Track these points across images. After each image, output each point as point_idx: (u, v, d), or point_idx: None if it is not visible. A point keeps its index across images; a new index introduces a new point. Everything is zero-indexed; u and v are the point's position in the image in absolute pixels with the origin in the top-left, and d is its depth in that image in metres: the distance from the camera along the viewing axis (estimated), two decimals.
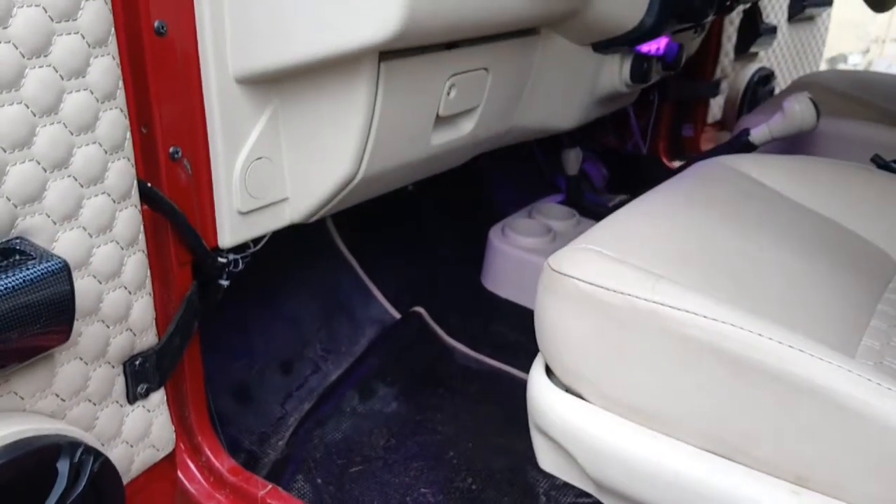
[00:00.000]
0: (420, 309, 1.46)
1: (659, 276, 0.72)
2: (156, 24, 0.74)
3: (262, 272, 1.10)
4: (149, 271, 0.72)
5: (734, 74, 2.27)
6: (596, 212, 1.67)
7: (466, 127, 1.07)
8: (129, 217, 0.67)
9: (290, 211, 0.95)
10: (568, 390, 0.77)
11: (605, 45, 1.18)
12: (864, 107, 1.51)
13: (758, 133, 1.30)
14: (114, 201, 0.64)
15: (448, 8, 0.78)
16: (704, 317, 0.66)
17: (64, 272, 0.55)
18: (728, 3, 1.22)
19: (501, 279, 1.52)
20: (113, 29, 0.62)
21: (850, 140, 1.31)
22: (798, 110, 1.23)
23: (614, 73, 1.24)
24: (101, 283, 0.65)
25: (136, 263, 0.68)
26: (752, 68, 2.31)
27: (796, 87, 1.79)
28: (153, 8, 0.74)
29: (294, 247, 1.39)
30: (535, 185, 1.94)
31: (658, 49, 1.31)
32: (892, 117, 1.44)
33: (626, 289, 0.70)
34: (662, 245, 0.82)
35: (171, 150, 0.80)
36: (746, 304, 0.72)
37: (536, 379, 0.79)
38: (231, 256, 0.94)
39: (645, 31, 1.14)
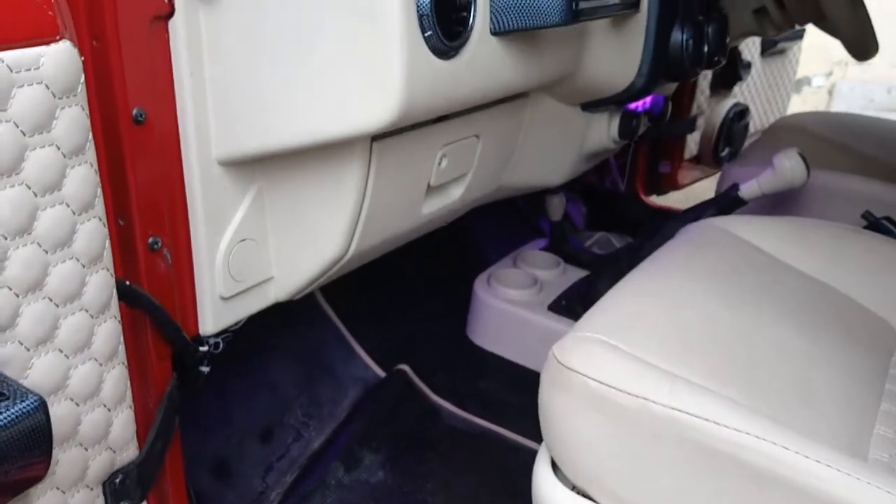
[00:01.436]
0: (405, 366, 1.42)
1: (674, 375, 0.69)
2: (134, 112, 0.70)
3: (240, 335, 1.05)
4: (129, 382, 0.66)
5: (710, 110, 2.28)
6: (580, 258, 1.64)
7: (456, 193, 1.04)
8: (109, 330, 0.61)
9: (276, 290, 0.90)
10: (576, 489, 0.74)
11: (594, 105, 1.16)
12: (847, 155, 1.52)
13: (747, 189, 1.28)
14: (92, 317, 0.59)
15: (443, 92, 0.75)
16: (725, 426, 0.63)
17: (40, 410, 0.50)
18: (716, 59, 1.20)
19: (488, 333, 1.48)
20: (90, 135, 0.57)
21: (838, 194, 1.30)
22: (788, 167, 1.22)
23: (602, 130, 1.22)
24: (78, 405, 0.60)
25: (115, 378, 0.63)
26: (727, 104, 2.32)
27: (776, 130, 1.79)
28: (131, 96, 0.69)
29: (274, 304, 1.33)
30: (518, 229, 1.91)
31: (645, 103, 1.30)
32: (876, 166, 1.45)
33: (641, 391, 0.67)
34: (667, 331, 0.79)
35: (150, 240, 0.75)
36: (757, 401, 0.70)
37: (542, 476, 0.76)
38: (212, 340, 0.89)
39: (635, 92, 1.12)
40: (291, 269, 0.88)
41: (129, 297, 0.72)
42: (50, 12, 0.53)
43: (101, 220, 0.59)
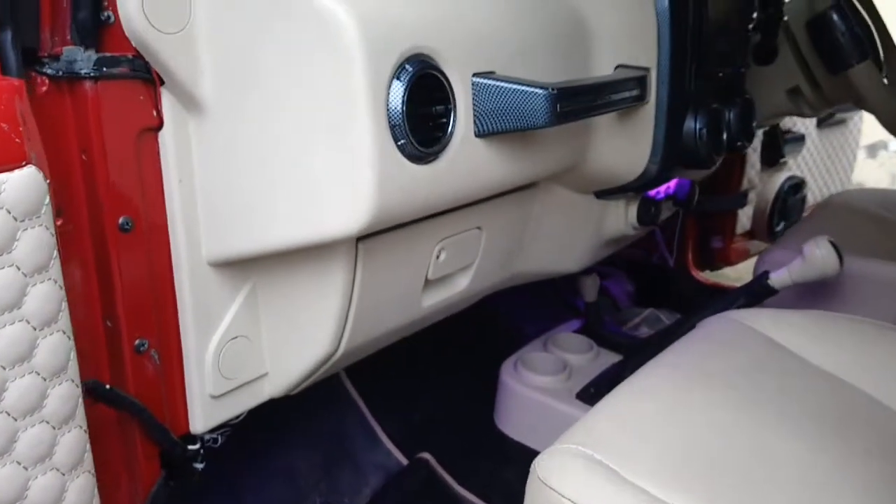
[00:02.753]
0: (427, 455, 1.39)
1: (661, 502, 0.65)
2: (120, 220, 0.73)
3: (253, 415, 1.05)
4: (95, 490, 0.67)
5: (762, 185, 2.21)
6: (615, 342, 1.59)
7: (461, 283, 1.03)
8: (73, 441, 0.63)
9: (270, 386, 0.91)
10: None
11: (608, 193, 1.14)
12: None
13: (778, 278, 1.22)
14: (54, 428, 0.61)
15: (422, 196, 0.75)
16: None
17: None
18: (739, 143, 1.17)
19: (513, 420, 1.45)
20: (55, 252, 0.60)
21: (878, 284, 1.22)
22: (819, 256, 1.16)
23: (620, 217, 1.20)
24: None
25: (79, 488, 0.64)
26: (780, 177, 2.24)
27: (823, 209, 1.71)
28: (117, 205, 0.72)
29: None
30: (555, 307, 1.87)
31: (668, 188, 1.27)
32: None
33: None
34: (666, 444, 0.74)
35: (136, 342, 0.77)
36: None
37: None
38: (208, 436, 0.89)
39: (649, 181, 1.10)
40: (284, 365, 0.89)
41: (109, 399, 0.73)
42: (17, 139, 0.56)
43: (65, 333, 0.61)
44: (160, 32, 0.68)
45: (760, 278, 1.24)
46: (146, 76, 0.71)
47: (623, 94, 0.94)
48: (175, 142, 0.75)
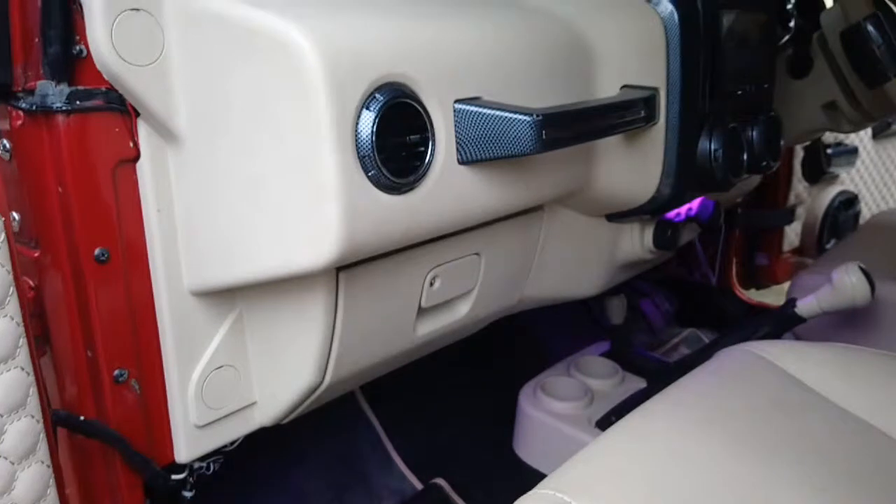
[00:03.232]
0: (441, 481, 1.36)
1: None
2: (95, 252, 0.73)
3: (264, 435, 1.03)
4: None
5: (811, 199, 2.11)
6: (642, 366, 1.53)
7: (462, 310, 1.00)
8: (34, 476, 0.63)
9: (260, 415, 0.90)
10: None
11: (619, 216, 1.10)
12: None
13: (806, 306, 1.15)
14: (12, 464, 0.61)
15: (398, 227, 0.73)
16: None
17: None
18: (764, 164, 1.11)
19: (531, 447, 1.40)
20: (12, 289, 0.60)
21: None
22: (848, 284, 1.08)
23: (635, 241, 1.15)
24: None
25: None
26: (831, 192, 2.14)
27: (867, 229, 1.62)
28: (93, 237, 0.72)
29: None
30: (583, 325, 1.82)
31: (690, 209, 1.21)
32: None
33: None
34: (655, 493, 0.70)
35: (115, 372, 0.77)
36: None
37: None
38: (198, 464, 0.89)
39: (663, 204, 1.05)
40: (272, 394, 0.88)
41: (84, 430, 0.74)
42: None
43: (23, 369, 0.61)
44: (131, 65, 0.68)
45: (787, 306, 1.17)
46: (121, 108, 0.71)
47: (626, 116, 0.90)
48: (153, 172, 0.75)
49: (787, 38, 1.42)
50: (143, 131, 0.73)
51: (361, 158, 0.68)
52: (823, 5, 1.48)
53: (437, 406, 1.52)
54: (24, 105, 0.68)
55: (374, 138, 0.68)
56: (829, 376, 0.93)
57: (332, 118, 0.65)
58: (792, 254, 2.17)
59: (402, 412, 1.46)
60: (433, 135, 0.74)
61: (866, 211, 2.31)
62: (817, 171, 1.92)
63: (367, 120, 0.68)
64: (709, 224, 1.22)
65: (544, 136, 0.75)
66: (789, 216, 2.05)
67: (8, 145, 0.70)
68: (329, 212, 0.67)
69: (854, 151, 2.13)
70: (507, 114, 0.75)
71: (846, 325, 1.22)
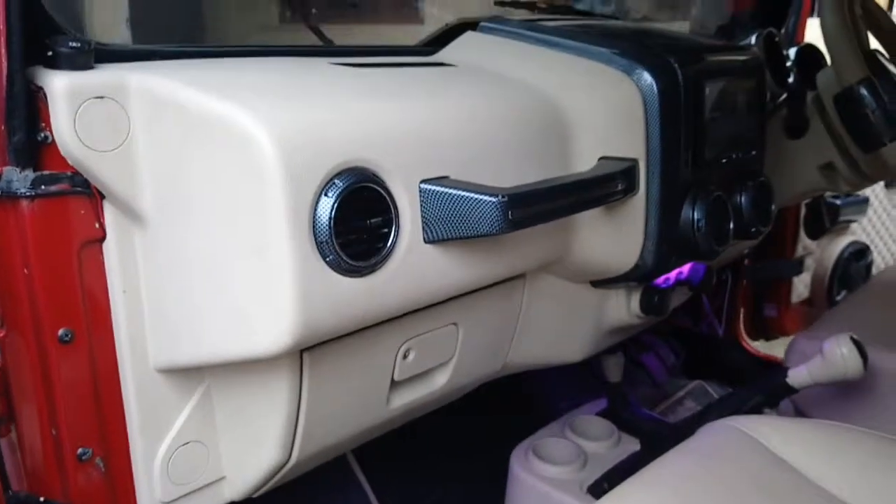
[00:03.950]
0: None
1: None
2: (59, 332, 0.73)
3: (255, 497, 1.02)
4: None
5: (820, 250, 2.07)
6: (639, 427, 1.50)
7: (439, 380, 0.99)
8: None
9: (230, 489, 0.89)
10: None
11: (604, 283, 1.08)
12: None
13: (797, 376, 1.12)
14: None
15: (359, 309, 0.73)
16: None
17: None
18: (753, 230, 1.09)
19: None
20: None
21: None
22: (840, 356, 1.05)
23: (621, 307, 1.13)
24: None
25: None
26: (841, 242, 2.10)
27: (873, 285, 1.58)
28: (57, 318, 0.73)
29: None
30: (582, 380, 1.79)
31: (681, 273, 1.19)
32: None
33: None
34: None
35: (79, 451, 0.77)
36: None
37: None
38: None
39: (645, 273, 1.03)
40: (241, 470, 0.87)
41: None
42: None
43: None
44: (95, 151, 0.69)
45: (778, 375, 1.14)
46: (87, 191, 0.72)
47: (601, 190, 0.89)
48: (119, 252, 0.75)
49: (783, 97, 1.41)
50: (110, 213, 0.74)
51: (319, 244, 0.68)
52: (823, 64, 1.47)
53: (429, 466, 1.50)
54: None
55: (332, 224, 0.68)
56: (816, 457, 0.90)
57: (288, 206, 0.65)
58: (802, 305, 2.13)
59: (394, 474, 1.44)
60: (397, 216, 0.74)
61: (879, 261, 2.26)
62: (820, 227, 1.89)
63: (326, 206, 0.68)
64: (700, 288, 1.20)
65: (511, 217, 0.75)
66: (797, 267, 2.01)
67: None
68: (284, 298, 0.67)
69: (865, 201, 2.09)
70: (472, 194, 0.75)
71: (839, 395, 1.19)
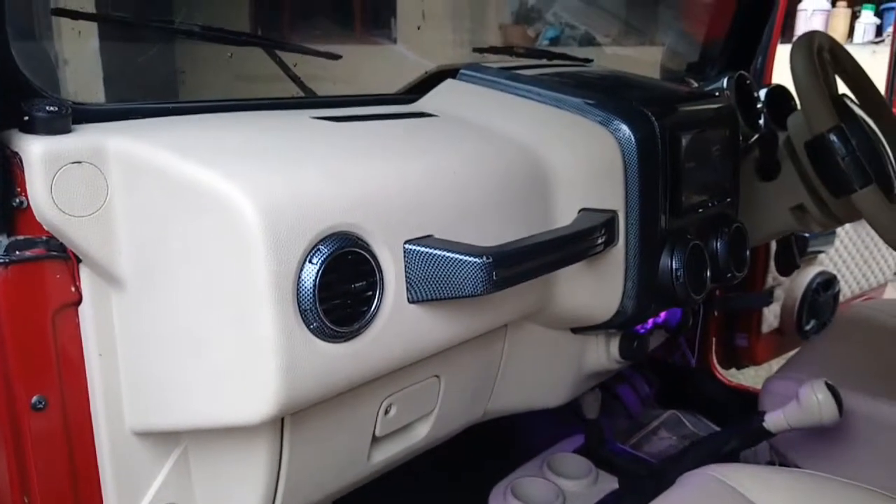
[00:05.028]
0: None
1: None
2: (32, 400, 0.71)
3: None
4: None
5: (789, 281, 2.10)
6: (617, 464, 1.50)
7: (421, 432, 0.98)
8: None
9: None
10: None
11: (584, 330, 1.09)
12: None
13: (774, 420, 1.13)
14: None
15: (343, 373, 0.72)
16: None
17: None
18: (728, 275, 1.11)
19: None
20: None
21: (887, 429, 1.12)
22: (815, 402, 1.07)
23: (600, 352, 1.14)
24: None
25: None
26: (810, 273, 2.13)
27: (841, 324, 1.61)
28: (30, 385, 0.71)
29: None
30: (556, 414, 1.79)
31: (657, 317, 1.20)
32: None
33: None
34: None
35: None
36: None
37: None
38: None
39: (625, 321, 1.04)
40: None
41: None
42: None
43: None
44: (72, 216, 0.68)
45: (755, 420, 1.15)
46: (63, 255, 0.70)
47: (584, 244, 0.89)
48: (95, 316, 0.73)
49: (755, 137, 1.43)
50: (86, 275, 0.72)
51: (303, 312, 0.67)
52: (792, 105, 1.50)
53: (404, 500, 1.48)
54: None
55: (316, 291, 0.67)
56: None
57: (272, 275, 0.65)
58: (772, 334, 2.16)
59: None
60: (381, 279, 0.73)
61: (846, 290, 2.31)
62: (791, 264, 1.92)
63: (310, 273, 0.67)
64: (677, 330, 1.21)
65: (495, 277, 0.75)
66: (767, 298, 2.04)
67: None
68: (267, 368, 0.66)
69: (832, 232, 2.13)
70: (455, 255, 0.74)
71: (815, 437, 1.21)
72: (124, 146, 0.69)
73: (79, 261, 0.71)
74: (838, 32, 4.73)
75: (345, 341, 0.71)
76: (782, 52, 1.81)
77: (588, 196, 0.96)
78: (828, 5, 4.80)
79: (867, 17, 4.69)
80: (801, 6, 4.64)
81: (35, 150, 0.65)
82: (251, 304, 0.65)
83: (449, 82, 1.11)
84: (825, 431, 1.18)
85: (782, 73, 1.79)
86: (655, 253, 1.01)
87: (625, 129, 0.98)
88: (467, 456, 1.60)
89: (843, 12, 4.79)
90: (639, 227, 0.99)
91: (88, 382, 0.75)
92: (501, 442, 1.71)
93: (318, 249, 0.68)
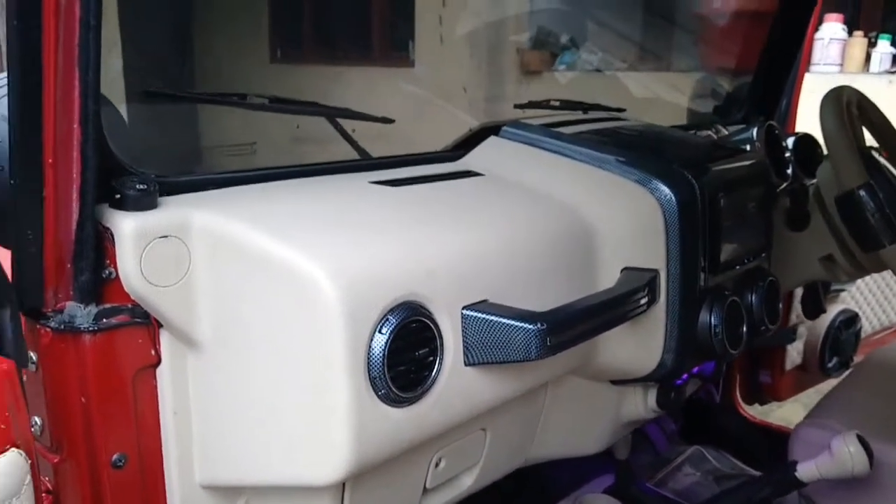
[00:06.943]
0: None
1: None
2: (113, 458, 0.75)
3: None
4: None
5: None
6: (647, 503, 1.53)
7: (465, 482, 1.01)
8: None
9: None
10: None
11: (623, 382, 1.12)
12: None
13: (806, 470, 1.16)
14: None
15: (406, 436, 0.75)
16: None
17: None
18: (763, 328, 1.14)
19: None
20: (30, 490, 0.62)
21: None
22: (847, 455, 1.10)
23: (638, 402, 1.17)
24: None
25: None
26: (832, 311, 2.15)
27: (866, 368, 1.63)
28: (112, 444, 0.75)
29: None
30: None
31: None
32: None
33: None
34: None
35: None
36: None
37: None
38: None
39: (665, 374, 1.07)
40: None
41: None
42: (2, 425, 0.59)
43: None
44: (157, 287, 0.72)
45: (787, 469, 1.18)
46: (146, 322, 0.75)
47: (629, 305, 0.93)
48: (172, 376, 0.77)
49: (784, 185, 1.47)
50: (165, 339, 0.76)
51: (372, 380, 0.71)
52: (819, 153, 1.53)
53: None
54: (52, 324, 0.71)
55: (385, 359, 0.71)
56: None
57: (345, 345, 0.69)
58: (795, 371, 2.18)
59: None
60: (441, 345, 0.77)
61: (868, 327, 2.32)
62: (817, 309, 1.95)
63: (380, 342, 0.71)
64: (712, 379, 1.24)
65: (549, 343, 0.78)
66: (791, 335, 2.07)
67: (35, 358, 0.74)
68: (338, 433, 0.70)
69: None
70: (511, 321, 0.78)
71: (845, 486, 1.23)
72: (205, 219, 0.74)
73: (160, 325, 0.76)
74: (855, 61, 4.76)
75: (408, 405, 0.75)
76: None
77: (630, 255, 0.99)
78: (844, 34, 4.84)
79: (883, 47, 4.72)
80: (817, 35, 4.67)
81: (126, 227, 0.70)
82: (325, 372, 0.69)
83: (492, 140, 1.15)
84: (854, 483, 1.20)
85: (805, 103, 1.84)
86: (694, 309, 1.05)
87: (665, 189, 1.02)
88: (500, 496, 1.63)
89: (859, 42, 4.82)
90: (679, 286, 1.02)
91: (163, 439, 0.79)
92: (533, 481, 1.73)
93: (388, 319, 0.72)
